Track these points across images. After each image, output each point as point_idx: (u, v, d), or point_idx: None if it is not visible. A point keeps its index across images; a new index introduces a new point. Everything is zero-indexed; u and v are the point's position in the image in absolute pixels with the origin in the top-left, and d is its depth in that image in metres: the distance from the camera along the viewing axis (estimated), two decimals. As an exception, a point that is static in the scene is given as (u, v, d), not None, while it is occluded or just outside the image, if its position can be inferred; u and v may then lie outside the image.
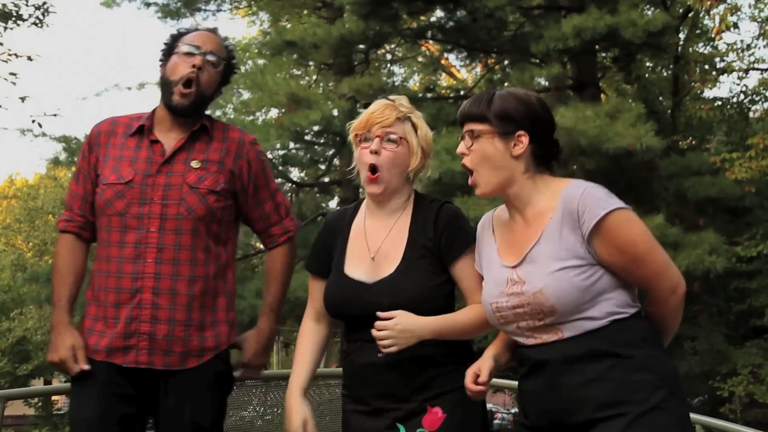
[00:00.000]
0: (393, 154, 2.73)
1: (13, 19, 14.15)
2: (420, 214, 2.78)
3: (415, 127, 2.78)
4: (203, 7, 19.62)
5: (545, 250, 2.43)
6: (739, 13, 14.48)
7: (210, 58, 3.11)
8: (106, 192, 3.04)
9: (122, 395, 2.95)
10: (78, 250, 3.14)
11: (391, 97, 2.83)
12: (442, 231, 2.72)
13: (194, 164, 3.07)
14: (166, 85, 3.11)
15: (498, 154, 2.50)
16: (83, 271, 3.15)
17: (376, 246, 2.77)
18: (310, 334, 2.94)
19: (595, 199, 2.39)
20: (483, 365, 2.60)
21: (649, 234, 2.44)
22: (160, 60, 3.19)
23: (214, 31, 3.26)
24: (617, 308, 2.42)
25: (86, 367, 2.96)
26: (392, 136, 2.73)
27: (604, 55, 15.07)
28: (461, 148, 2.56)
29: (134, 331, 2.95)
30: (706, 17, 16.55)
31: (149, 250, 2.98)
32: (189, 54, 3.09)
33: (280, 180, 17.96)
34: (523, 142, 2.50)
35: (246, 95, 19.88)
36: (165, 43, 3.20)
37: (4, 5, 13.95)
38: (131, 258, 2.98)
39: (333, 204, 20.66)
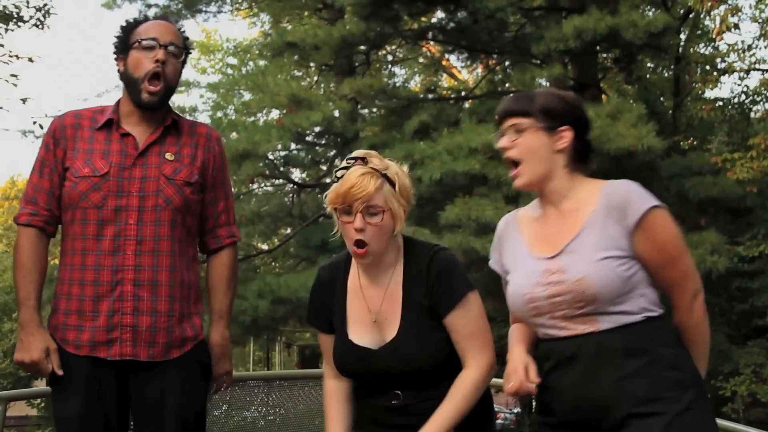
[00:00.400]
0: (378, 228, 2.66)
1: (14, 20, 14.15)
2: (411, 269, 2.75)
3: (392, 183, 2.69)
4: (204, 9, 19.65)
5: (588, 240, 2.49)
6: (739, 13, 14.47)
7: (171, 49, 3.07)
8: (80, 185, 3.01)
9: (104, 391, 2.95)
10: (42, 246, 3.07)
11: (359, 153, 2.72)
12: (434, 285, 2.71)
13: (168, 156, 3.07)
14: (131, 82, 3.06)
15: (543, 146, 2.58)
16: (46, 268, 3.09)
17: (375, 307, 2.77)
18: (334, 394, 2.90)
19: (638, 195, 2.49)
20: (529, 364, 2.58)
21: (681, 236, 2.54)
22: (115, 54, 3.13)
23: (167, 18, 3.21)
24: (650, 305, 2.48)
25: (60, 372, 2.95)
26: (374, 209, 2.65)
27: (605, 56, 15.07)
28: (504, 142, 2.61)
29: (117, 323, 2.95)
30: (707, 18, 16.56)
31: (128, 242, 2.97)
32: (149, 48, 3.05)
33: (281, 181, 17.98)
34: (566, 136, 2.59)
35: (247, 96, 19.91)
36: (117, 36, 3.13)
37: (4, 7, 13.95)
38: (110, 251, 2.97)
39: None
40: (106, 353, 2.95)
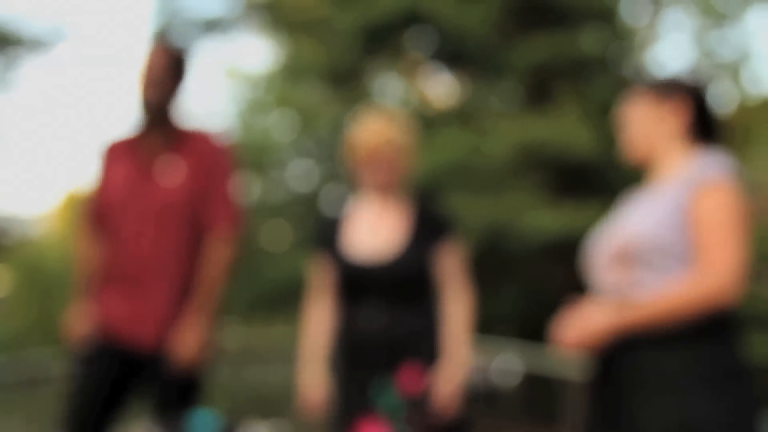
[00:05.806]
0: (385, 169, 2.74)
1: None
2: (412, 211, 2.77)
3: (398, 140, 2.76)
4: (228, 34, 19.50)
5: (655, 201, 2.11)
6: (662, 37, 14.43)
7: (151, 74, 3.00)
8: (104, 196, 3.03)
9: (109, 366, 2.89)
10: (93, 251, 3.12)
11: (377, 116, 2.79)
12: (428, 222, 2.74)
13: (172, 162, 2.99)
14: None
15: (651, 117, 2.19)
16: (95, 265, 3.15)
17: (374, 234, 2.75)
18: (319, 309, 2.85)
19: (715, 165, 2.07)
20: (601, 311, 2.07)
21: (737, 218, 2.04)
22: None
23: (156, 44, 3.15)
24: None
25: (83, 350, 2.93)
26: (382, 156, 2.73)
27: (557, 73, 15.02)
28: (619, 113, 2.31)
29: (131, 313, 2.90)
30: (642, 40, 16.60)
31: (140, 238, 2.93)
32: None
33: (292, 182, 17.93)
34: (678, 107, 2.17)
35: (264, 110, 19.89)
36: None
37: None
38: (124, 248, 2.94)
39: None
40: (123, 340, 2.91)
